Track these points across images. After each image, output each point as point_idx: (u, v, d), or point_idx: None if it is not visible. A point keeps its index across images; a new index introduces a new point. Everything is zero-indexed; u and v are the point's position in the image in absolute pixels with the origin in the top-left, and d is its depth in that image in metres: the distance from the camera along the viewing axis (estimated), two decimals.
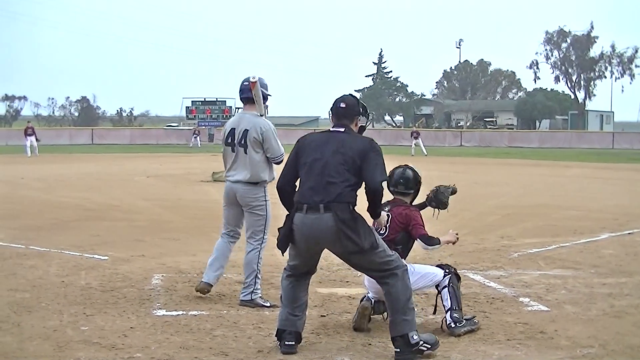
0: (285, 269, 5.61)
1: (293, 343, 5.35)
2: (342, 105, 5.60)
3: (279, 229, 5.45)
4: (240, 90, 6.98)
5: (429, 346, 5.23)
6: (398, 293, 5.24)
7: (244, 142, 6.73)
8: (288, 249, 5.47)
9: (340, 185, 5.21)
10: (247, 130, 6.72)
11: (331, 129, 5.59)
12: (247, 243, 6.94)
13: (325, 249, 5.44)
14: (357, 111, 5.63)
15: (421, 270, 6.03)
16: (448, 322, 5.81)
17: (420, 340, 5.20)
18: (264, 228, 6.88)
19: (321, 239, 5.26)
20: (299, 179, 5.45)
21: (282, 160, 6.54)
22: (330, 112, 5.67)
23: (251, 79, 6.78)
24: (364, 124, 5.72)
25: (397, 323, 5.21)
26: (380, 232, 5.88)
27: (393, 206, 6.06)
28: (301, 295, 5.53)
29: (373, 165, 5.27)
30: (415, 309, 5.51)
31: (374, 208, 5.43)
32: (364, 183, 5.31)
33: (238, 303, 6.76)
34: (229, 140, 6.83)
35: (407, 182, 6.15)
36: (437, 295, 6.04)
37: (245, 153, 6.74)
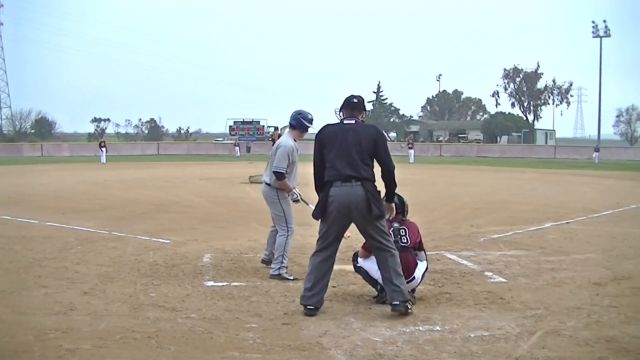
0: (312, 254, 5.42)
1: (313, 308, 5.29)
2: (355, 100, 5.46)
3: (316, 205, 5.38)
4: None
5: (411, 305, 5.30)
6: (395, 262, 5.25)
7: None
8: (319, 225, 5.34)
9: (363, 166, 5.19)
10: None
11: (345, 122, 5.37)
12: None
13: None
14: (364, 106, 5.54)
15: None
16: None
17: (408, 300, 5.26)
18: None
19: (352, 204, 5.14)
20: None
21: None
22: (342, 107, 5.49)
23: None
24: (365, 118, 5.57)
25: (402, 290, 5.18)
26: (403, 241, 5.67)
27: (401, 222, 5.80)
28: (325, 275, 5.35)
29: (384, 153, 5.31)
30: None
31: (391, 188, 5.42)
32: (379, 165, 5.30)
33: (268, 276, 6.75)
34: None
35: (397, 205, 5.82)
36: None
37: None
